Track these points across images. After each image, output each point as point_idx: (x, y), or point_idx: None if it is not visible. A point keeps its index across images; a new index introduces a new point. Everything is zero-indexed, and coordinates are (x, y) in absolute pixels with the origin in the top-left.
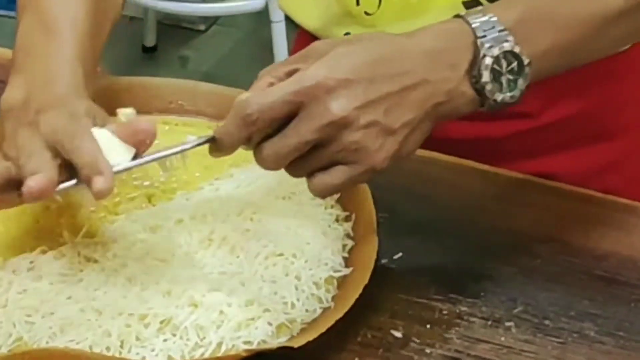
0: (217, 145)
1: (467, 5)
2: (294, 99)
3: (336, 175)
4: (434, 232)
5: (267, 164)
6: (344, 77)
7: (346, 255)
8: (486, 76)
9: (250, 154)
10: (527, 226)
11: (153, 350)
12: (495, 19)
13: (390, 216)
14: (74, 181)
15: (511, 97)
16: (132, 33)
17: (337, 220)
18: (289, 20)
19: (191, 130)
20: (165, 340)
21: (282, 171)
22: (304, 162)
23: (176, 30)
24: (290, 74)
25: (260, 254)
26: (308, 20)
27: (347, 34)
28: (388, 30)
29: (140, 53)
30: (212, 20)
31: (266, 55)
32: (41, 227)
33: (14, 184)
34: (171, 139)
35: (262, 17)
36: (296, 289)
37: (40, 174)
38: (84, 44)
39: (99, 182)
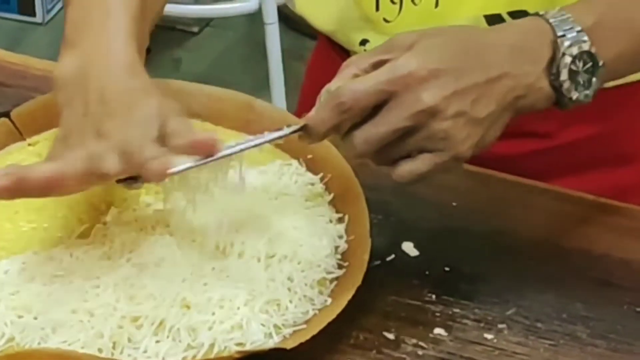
0: (307, 133)
1: (489, 19)
2: (387, 88)
3: (422, 162)
4: (427, 234)
5: (357, 151)
6: (434, 67)
7: (339, 257)
8: (564, 74)
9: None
10: (520, 228)
11: (145, 351)
12: (573, 19)
13: (383, 218)
14: None
15: (585, 96)
16: None
17: (330, 221)
18: (282, 22)
19: None
20: (157, 341)
21: (274, 173)
22: (391, 149)
23: (169, 32)
24: (375, 65)
25: (253, 255)
26: (325, 23)
27: (364, 40)
28: None
29: None
30: (205, 22)
31: (259, 57)
32: (33, 228)
33: None
34: None
35: (255, 19)
36: (289, 290)
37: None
38: (136, 23)
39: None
